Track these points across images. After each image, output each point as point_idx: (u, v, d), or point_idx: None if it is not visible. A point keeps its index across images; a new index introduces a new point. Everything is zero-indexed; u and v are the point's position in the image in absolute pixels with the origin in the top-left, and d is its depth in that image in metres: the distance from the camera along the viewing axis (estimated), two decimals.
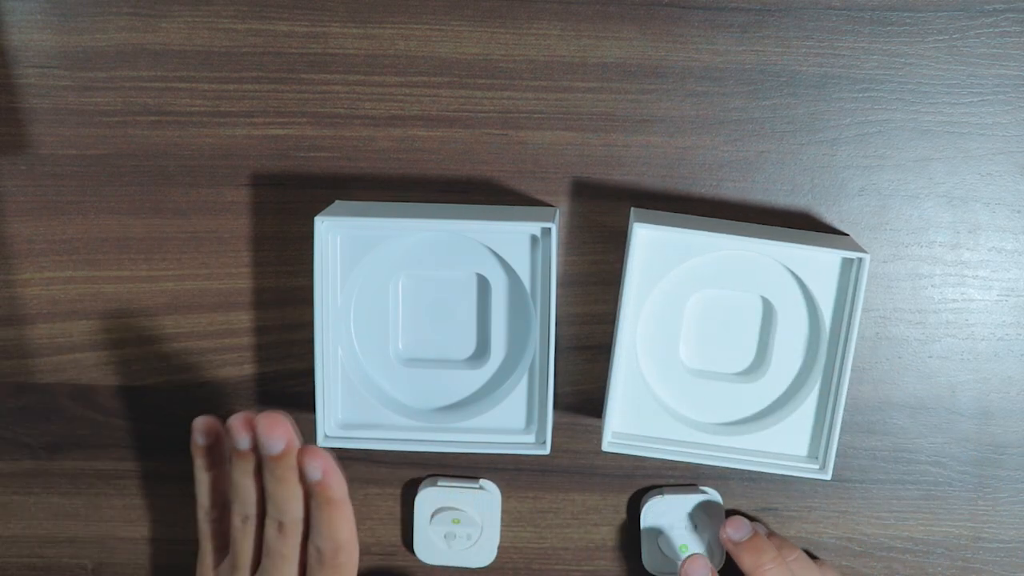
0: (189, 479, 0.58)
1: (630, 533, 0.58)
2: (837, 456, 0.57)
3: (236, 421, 0.48)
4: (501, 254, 0.51)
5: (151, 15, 0.53)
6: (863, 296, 0.50)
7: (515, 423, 0.53)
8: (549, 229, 0.50)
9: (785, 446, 0.53)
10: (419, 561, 0.58)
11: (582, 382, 0.57)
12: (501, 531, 0.58)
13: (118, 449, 0.58)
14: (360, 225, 0.51)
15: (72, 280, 0.56)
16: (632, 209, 0.54)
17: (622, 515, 0.58)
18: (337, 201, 0.54)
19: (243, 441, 0.48)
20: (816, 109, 0.54)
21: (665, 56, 0.53)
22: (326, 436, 0.52)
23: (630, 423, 0.53)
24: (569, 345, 0.56)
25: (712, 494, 0.57)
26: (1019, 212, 0.55)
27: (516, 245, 0.51)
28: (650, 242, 0.51)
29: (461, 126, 0.54)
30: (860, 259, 0.50)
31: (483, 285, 0.53)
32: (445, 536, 0.57)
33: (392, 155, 0.55)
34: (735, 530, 0.55)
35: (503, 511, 0.58)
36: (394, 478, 0.59)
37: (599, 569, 0.59)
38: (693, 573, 0.53)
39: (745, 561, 0.54)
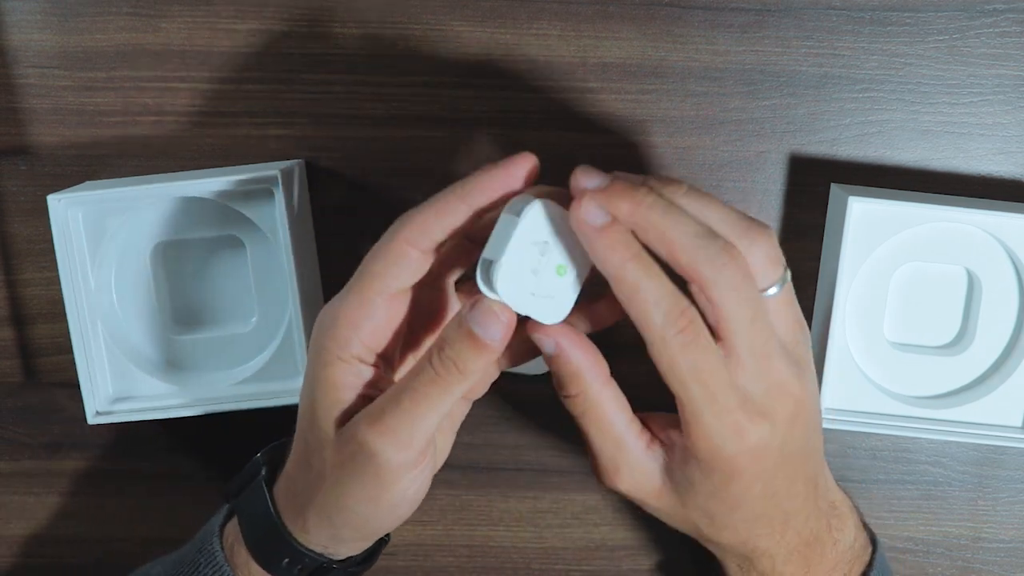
0: (189, 479, 0.58)
1: (630, 533, 0.58)
2: (836, 456, 0.57)
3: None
4: (245, 212, 0.51)
5: (151, 15, 0.53)
6: None
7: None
8: (275, 176, 0.49)
9: (997, 417, 0.52)
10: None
11: None
12: (500, 531, 0.58)
13: (118, 449, 0.58)
14: (98, 199, 0.50)
15: None
16: (833, 185, 0.53)
17: (622, 515, 0.58)
18: (87, 182, 0.54)
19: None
20: (816, 109, 0.54)
21: (665, 56, 0.53)
22: (97, 413, 0.52)
23: (840, 399, 0.53)
24: None
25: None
26: None
27: (255, 202, 0.51)
28: (863, 215, 0.50)
29: (461, 126, 0.54)
30: None
31: (240, 246, 0.54)
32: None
33: (392, 155, 0.55)
34: (587, 177, 0.39)
35: (503, 511, 0.58)
36: None
37: (599, 569, 0.59)
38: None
39: (622, 209, 0.39)
